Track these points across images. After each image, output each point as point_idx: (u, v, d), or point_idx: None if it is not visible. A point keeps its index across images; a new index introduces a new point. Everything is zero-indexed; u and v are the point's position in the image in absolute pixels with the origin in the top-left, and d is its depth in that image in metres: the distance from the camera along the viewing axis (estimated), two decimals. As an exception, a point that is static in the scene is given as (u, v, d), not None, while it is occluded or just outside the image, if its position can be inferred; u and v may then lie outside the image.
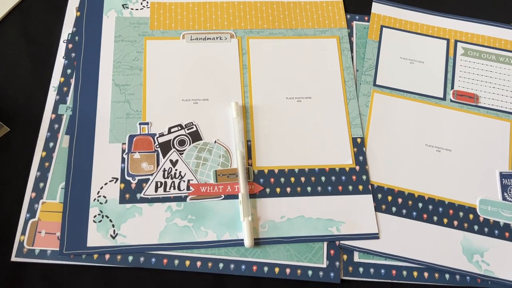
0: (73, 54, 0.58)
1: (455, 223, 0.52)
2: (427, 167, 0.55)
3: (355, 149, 0.55)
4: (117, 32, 0.59)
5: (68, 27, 0.59)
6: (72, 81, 0.56)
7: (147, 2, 0.61)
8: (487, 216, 0.53)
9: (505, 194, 0.54)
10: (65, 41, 0.59)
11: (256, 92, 0.57)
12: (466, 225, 0.52)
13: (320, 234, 0.51)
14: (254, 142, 0.55)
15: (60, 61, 0.58)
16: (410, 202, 0.53)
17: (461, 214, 0.53)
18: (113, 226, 0.49)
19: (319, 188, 0.53)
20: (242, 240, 0.49)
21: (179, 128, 0.54)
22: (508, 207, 0.53)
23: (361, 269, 0.50)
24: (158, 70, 0.57)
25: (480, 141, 0.57)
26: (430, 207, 0.53)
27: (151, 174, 0.52)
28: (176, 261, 0.49)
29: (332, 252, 0.50)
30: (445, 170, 0.55)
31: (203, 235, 0.50)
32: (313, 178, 0.53)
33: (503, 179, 0.55)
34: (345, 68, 0.59)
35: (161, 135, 0.54)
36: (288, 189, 0.53)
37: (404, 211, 0.53)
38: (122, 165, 0.52)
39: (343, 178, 0.53)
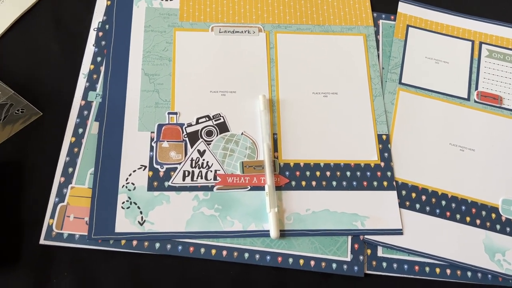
0: (103, 42, 0.58)
1: (478, 221, 0.53)
2: (451, 165, 0.55)
3: (380, 146, 0.56)
4: (147, 22, 0.59)
5: (98, 16, 0.60)
6: (102, 68, 0.57)
7: (177, -6, 0.62)
8: (509, 216, 0.54)
9: (527, 195, 0.55)
10: (95, 29, 0.59)
11: (283, 86, 0.58)
12: (488, 224, 0.53)
13: (345, 228, 0.51)
14: (280, 135, 0.55)
15: (90, 49, 0.58)
16: (433, 200, 0.53)
17: (483, 213, 0.53)
18: (141, 213, 0.50)
19: (344, 183, 0.53)
20: (268, 231, 0.50)
21: (207, 119, 0.55)
22: (530, 208, 0.54)
23: (384, 264, 0.50)
24: (187, 61, 0.58)
25: (503, 141, 0.57)
26: (453, 205, 0.53)
27: (179, 163, 0.52)
28: (202, 250, 0.49)
29: (356, 246, 0.51)
30: (468, 169, 0.55)
31: (229, 225, 0.50)
32: (338, 173, 0.54)
33: (526, 180, 0.55)
34: (371, 65, 0.60)
35: (189, 125, 0.54)
36: (314, 183, 0.53)
37: (427, 208, 0.53)
38: (151, 153, 0.53)
39: (368, 174, 0.54)
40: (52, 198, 0.50)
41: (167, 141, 0.53)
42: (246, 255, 0.49)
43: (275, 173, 0.53)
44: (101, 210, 0.49)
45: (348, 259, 0.50)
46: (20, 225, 0.49)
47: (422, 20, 0.64)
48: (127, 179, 0.51)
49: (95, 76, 0.57)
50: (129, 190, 0.51)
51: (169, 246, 0.49)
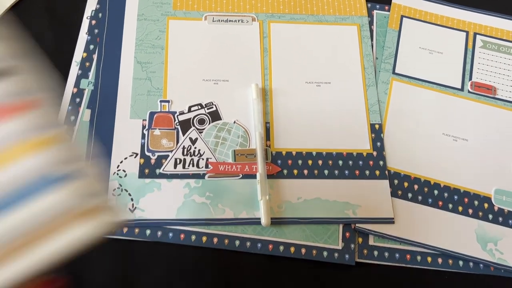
0: (96, 30, 0.58)
1: (470, 211, 0.53)
2: (444, 155, 0.55)
3: (373, 135, 0.55)
4: (140, 10, 0.59)
5: (92, 4, 0.60)
6: (95, 56, 0.57)
7: (170, -17, 0.62)
8: (502, 206, 0.53)
9: (520, 185, 0.54)
10: (88, 17, 0.59)
11: (276, 75, 0.58)
12: (480, 213, 0.53)
13: (336, 217, 0.51)
14: (272, 124, 0.55)
15: (83, 37, 0.58)
16: (426, 189, 0.53)
17: (476, 202, 0.53)
18: (132, 200, 0.50)
19: (336, 172, 0.53)
20: (259, 219, 0.50)
21: (199, 107, 0.55)
22: (523, 198, 0.54)
23: (375, 253, 0.50)
24: (180, 49, 0.58)
25: (496, 132, 0.57)
26: (446, 194, 0.53)
27: (171, 151, 0.52)
28: (193, 237, 0.49)
29: (347, 234, 0.51)
30: (461, 159, 0.55)
31: (220, 213, 0.50)
32: (330, 162, 0.54)
33: (519, 171, 0.55)
34: (365, 55, 0.60)
35: (181, 113, 0.54)
36: (306, 171, 0.53)
37: (419, 197, 0.53)
38: (142, 140, 0.52)
39: (360, 162, 0.54)
40: (43, 184, 0.50)
41: (159, 129, 0.53)
42: (237, 242, 0.49)
43: (267, 161, 0.53)
44: (92, 197, 0.49)
45: (339, 247, 0.50)
46: (11, 212, 0.49)
47: (417, 10, 0.64)
48: (118, 166, 0.51)
49: (87, 64, 0.56)
50: (120, 177, 0.51)
51: (159, 233, 0.49)
